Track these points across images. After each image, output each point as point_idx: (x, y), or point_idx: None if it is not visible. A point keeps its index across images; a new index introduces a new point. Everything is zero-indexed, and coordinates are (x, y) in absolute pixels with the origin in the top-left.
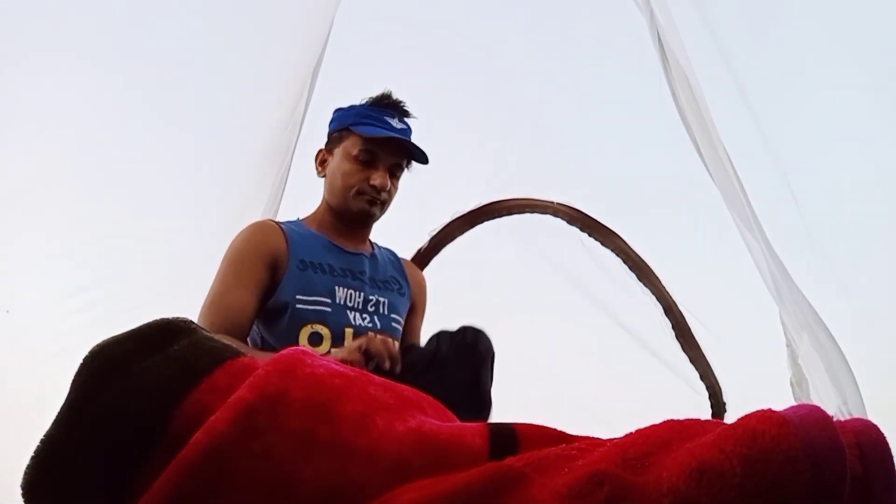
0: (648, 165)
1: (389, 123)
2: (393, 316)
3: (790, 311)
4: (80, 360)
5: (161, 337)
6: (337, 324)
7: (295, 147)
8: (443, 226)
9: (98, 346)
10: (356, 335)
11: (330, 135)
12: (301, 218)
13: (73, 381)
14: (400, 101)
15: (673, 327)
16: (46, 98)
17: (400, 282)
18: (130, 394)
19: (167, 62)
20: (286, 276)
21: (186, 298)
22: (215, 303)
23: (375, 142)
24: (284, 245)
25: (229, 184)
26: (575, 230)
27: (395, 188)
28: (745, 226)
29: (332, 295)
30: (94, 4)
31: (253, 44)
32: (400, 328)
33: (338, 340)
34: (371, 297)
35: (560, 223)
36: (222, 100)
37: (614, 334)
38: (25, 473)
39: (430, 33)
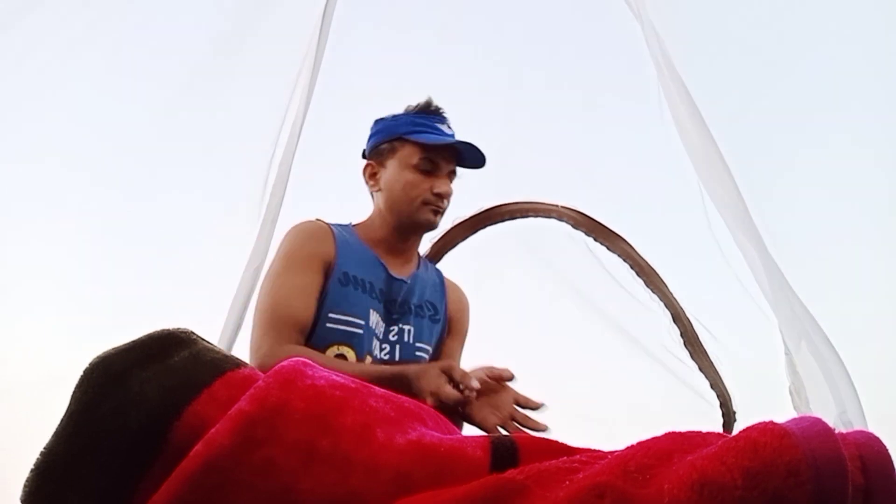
0: (654, 168)
1: (442, 130)
2: (418, 345)
3: (787, 318)
4: (81, 372)
5: (161, 348)
6: (362, 349)
7: (296, 148)
8: (444, 232)
9: (98, 357)
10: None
11: (376, 146)
12: (353, 224)
13: (74, 392)
14: (441, 108)
15: (682, 335)
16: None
17: (436, 306)
18: (130, 406)
19: (161, 63)
20: (326, 288)
21: (187, 309)
22: (278, 311)
23: (435, 149)
24: (334, 253)
25: (227, 189)
26: (580, 234)
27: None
28: (742, 231)
29: (366, 317)
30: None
31: (249, 42)
32: (426, 356)
33: None
34: (393, 328)
35: (565, 227)
36: (221, 103)
37: (621, 342)
38: (25, 485)
39: (429, 35)
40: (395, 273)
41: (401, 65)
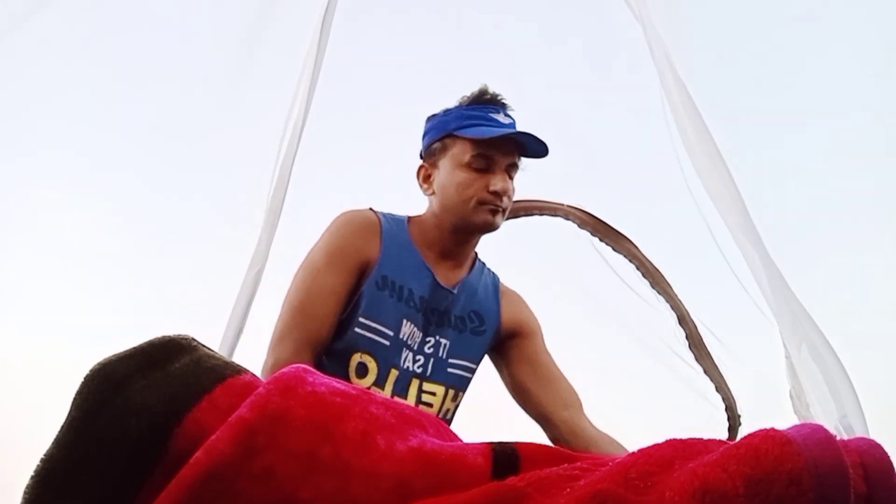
0: (655, 169)
1: (497, 120)
2: (451, 361)
3: (788, 321)
4: (81, 378)
5: (162, 354)
6: (386, 361)
7: (297, 150)
8: None
9: (99, 364)
10: (398, 379)
11: (429, 146)
12: (410, 217)
13: (74, 399)
14: (499, 95)
15: (686, 337)
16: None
17: (482, 316)
18: (131, 413)
19: (160, 65)
20: (361, 289)
21: (188, 313)
22: (305, 311)
23: (488, 143)
24: (377, 251)
25: (227, 192)
26: (586, 234)
27: (514, 191)
28: (742, 233)
29: (397, 328)
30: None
31: (246, 44)
32: (464, 374)
33: (380, 380)
34: (429, 339)
35: (570, 226)
36: (221, 105)
37: (626, 343)
38: (26, 492)
39: (431, 34)
40: (442, 280)
41: (402, 65)
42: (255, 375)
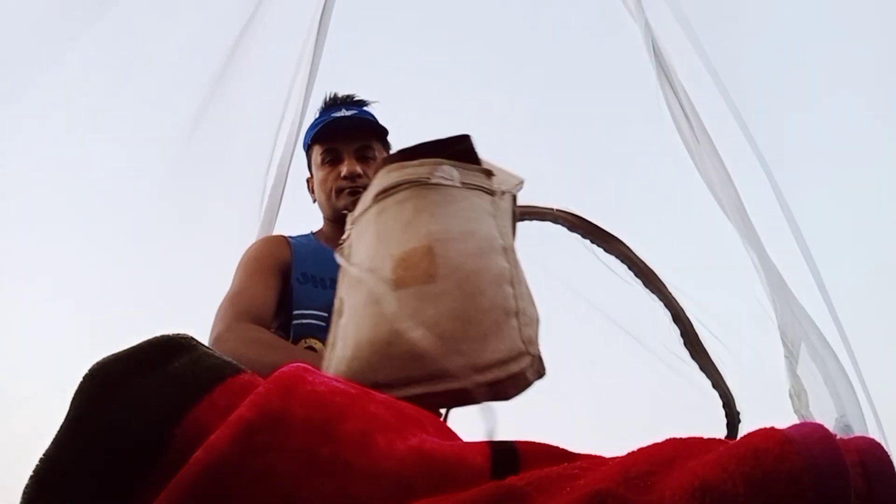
0: (651, 172)
1: (336, 116)
2: None
3: (787, 321)
4: (80, 379)
5: (161, 354)
6: None
7: (294, 149)
8: None
9: (97, 364)
10: None
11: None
12: (313, 231)
13: (72, 399)
14: (349, 95)
15: (682, 335)
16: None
17: None
18: (129, 413)
19: (147, 73)
20: (289, 289)
21: (186, 313)
22: (237, 296)
23: (327, 137)
24: (290, 257)
25: (225, 191)
26: (576, 237)
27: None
28: (742, 235)
29: (329, 309)
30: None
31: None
32: None
33: None
34: None
35: (560, 230)
36: (220, 105)
37: (622, 343)
38: (24, 493)
39: (426, 37)
40: None
41: (400, 65)
42: (254, 375)
